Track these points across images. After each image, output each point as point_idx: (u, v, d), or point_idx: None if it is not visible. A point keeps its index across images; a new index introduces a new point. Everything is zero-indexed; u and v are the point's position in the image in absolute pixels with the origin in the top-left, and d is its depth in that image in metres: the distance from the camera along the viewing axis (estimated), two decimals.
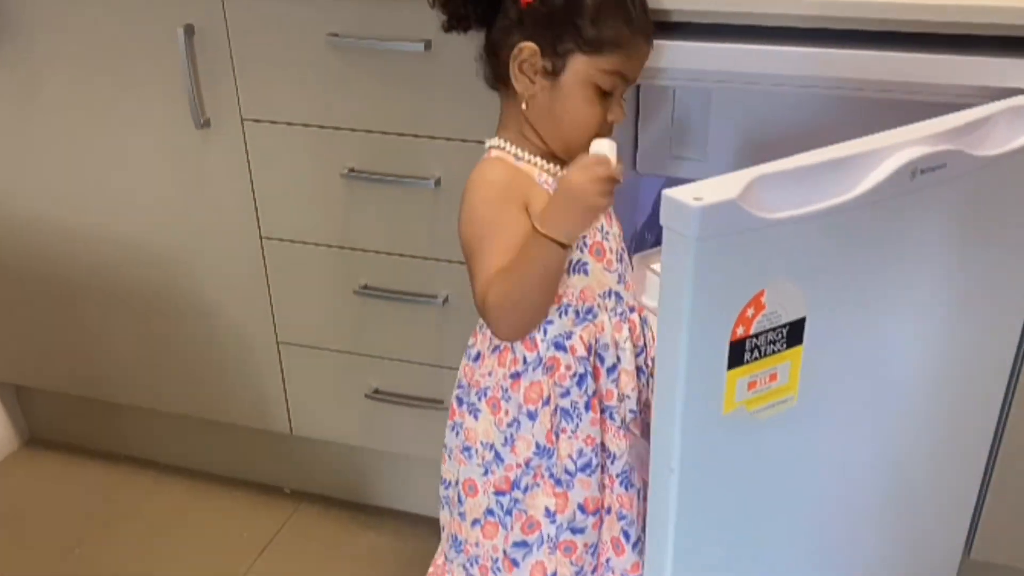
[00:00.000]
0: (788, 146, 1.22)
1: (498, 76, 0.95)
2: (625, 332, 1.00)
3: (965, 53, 1.00)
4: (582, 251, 0.95)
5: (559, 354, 0.96)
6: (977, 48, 1.00)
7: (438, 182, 1.25)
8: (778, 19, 1.04)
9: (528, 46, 0.90)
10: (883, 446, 1.00)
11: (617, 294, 0.98)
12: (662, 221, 0.74)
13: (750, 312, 0.78)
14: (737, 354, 0.79)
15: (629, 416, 1.01)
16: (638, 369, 1.02)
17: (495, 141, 0.97)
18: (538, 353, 0.96)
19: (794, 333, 0.82)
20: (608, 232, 0.99)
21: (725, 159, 1.23)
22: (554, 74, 0.91)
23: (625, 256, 1.01)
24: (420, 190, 1.26)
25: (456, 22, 0.94)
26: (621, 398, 1.00)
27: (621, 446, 1.01)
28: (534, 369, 0.96)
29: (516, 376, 0.97)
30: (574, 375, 0.96)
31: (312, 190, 1.33)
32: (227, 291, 1.46)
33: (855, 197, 0.78)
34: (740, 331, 0.78)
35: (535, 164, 0.95)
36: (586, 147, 0.91)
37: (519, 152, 0.95)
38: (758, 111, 1.19)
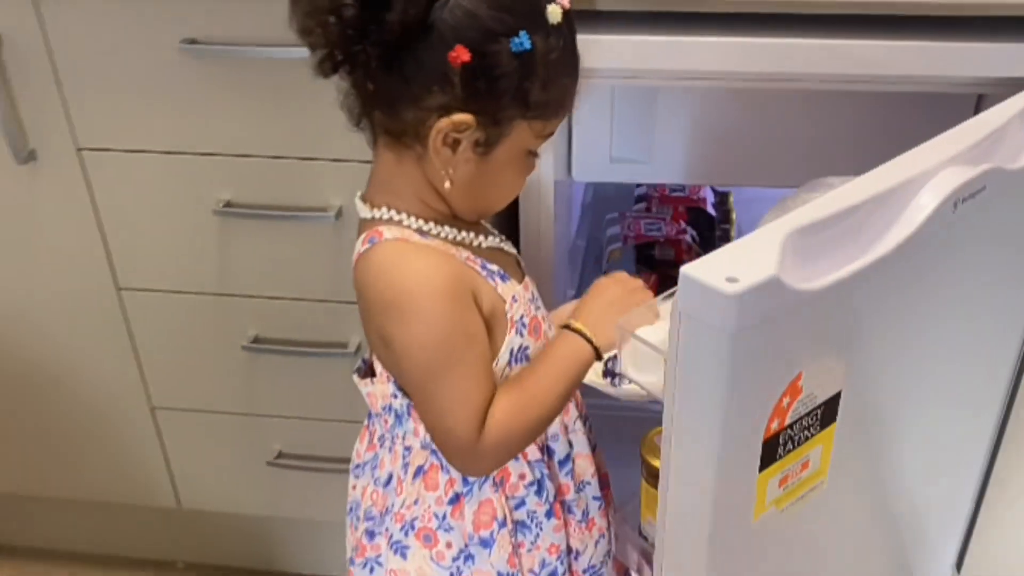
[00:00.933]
0: (746, 145, 1.07)
1: (393, 133, 0.70)
2: (573, 411, 0.82)
3: (943, 39, 0.86)
4: (522, 334, 0.76)
5: (507, 463, 0.77)
6: (953, 33, 0.86)
7: (339, 213, 1.03)
8: (727, 5, 0.86)
9: (464, 119, 0.67)
10: (889, 479, 0.88)
11: None
12: (681, 308, 0.57)
13: (785, 401, 0.62)
14: (770, 452, 0.63)
15: (594, 504, 0.84)
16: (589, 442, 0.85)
17: (383, 212, 0.72)
18: None
19: (828, 412, 0.66)
20: (538, 299, 0.81)
21: (673, 161, 1.06)
22: (487, 146, 0.69)
23: (548, 316, 0.83)
24: (317, 224, 1.04)
25: (339, 65, 0.68)
26: (580, 487, 0.83)
27: (585, 539, 0.84)
28: (480, 487, 0.77)
29: (456, 500, 0.77)
30: (530, 483, 0.78)
31: (178, 229, 1.08)
32: (85, 353, 1.20)
33: (900, 245, 0.63)
34: (775, 426, 0.62)
35: (446, 238, 0.74)
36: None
37: (423, 225, 0.73)
38: (711, 107, 1.02)
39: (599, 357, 0.75)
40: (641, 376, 0.73)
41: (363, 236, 0.73)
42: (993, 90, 0.90)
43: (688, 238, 1.26)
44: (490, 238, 0.78)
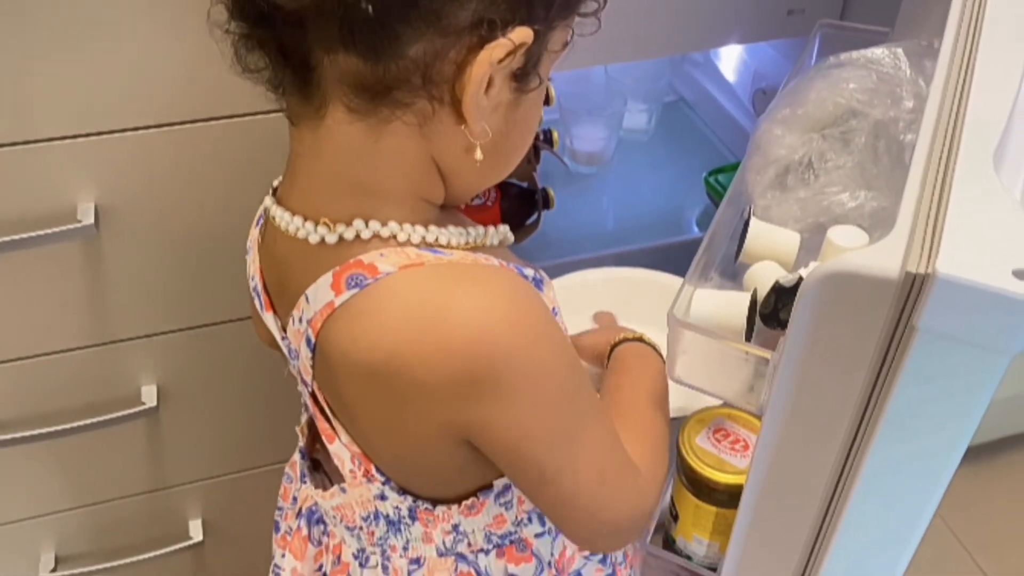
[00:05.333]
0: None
1: (375, 89, 0.41)
2: None
3: None
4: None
5: None
6: None
7: (98, 223, 0.67)
8: None
9: (525, 35, 0.41)
10: None
11: None
12: (927, 324, 0.38)
13: None
14: None
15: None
16: None
17: (359, 229, 0.45)
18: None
19: None
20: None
21: None
22: (525, 76, 0.44)
23: None
24: (65, 247, 0.68)
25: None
26: None
27: None
28: None
29: None
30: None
31: None
32: None
33: None
34: None
35: (459, 244, 0.48)
36: None
37: (426, 235, 0.46)
38: None
39: None
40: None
41: (322, 280, 0.44)
42: None
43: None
44: (491, 228, 0.51)
